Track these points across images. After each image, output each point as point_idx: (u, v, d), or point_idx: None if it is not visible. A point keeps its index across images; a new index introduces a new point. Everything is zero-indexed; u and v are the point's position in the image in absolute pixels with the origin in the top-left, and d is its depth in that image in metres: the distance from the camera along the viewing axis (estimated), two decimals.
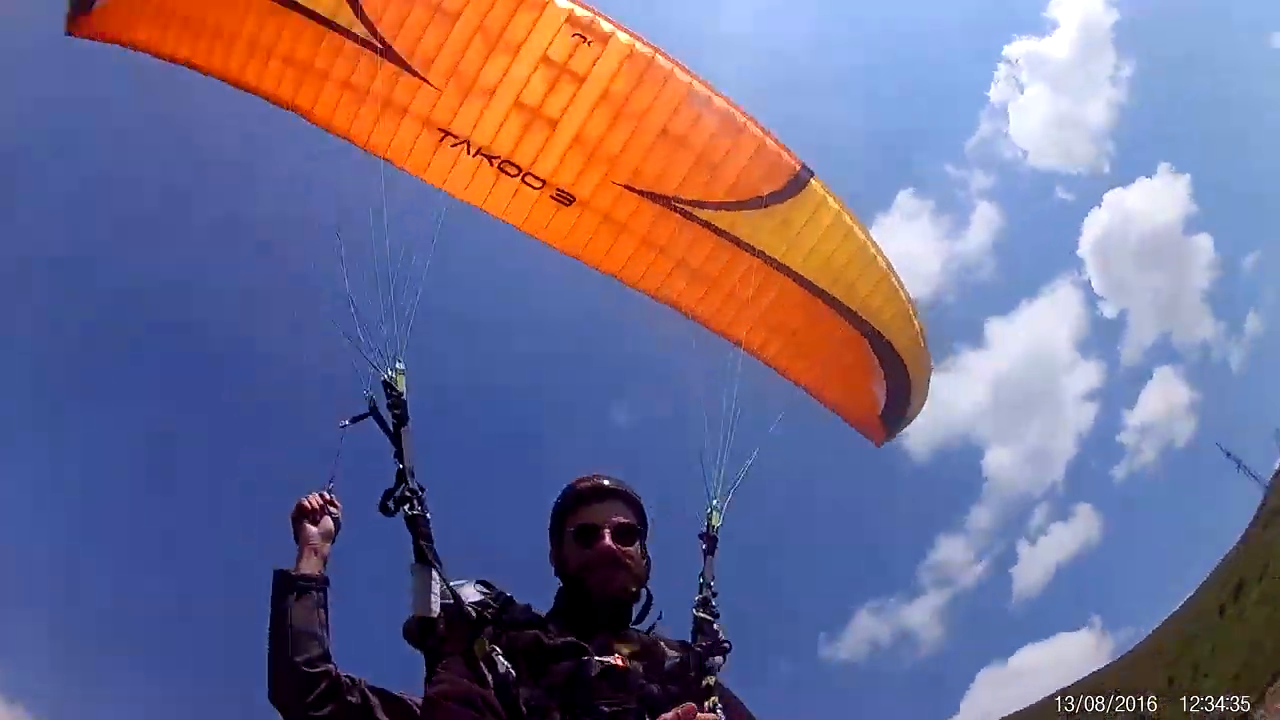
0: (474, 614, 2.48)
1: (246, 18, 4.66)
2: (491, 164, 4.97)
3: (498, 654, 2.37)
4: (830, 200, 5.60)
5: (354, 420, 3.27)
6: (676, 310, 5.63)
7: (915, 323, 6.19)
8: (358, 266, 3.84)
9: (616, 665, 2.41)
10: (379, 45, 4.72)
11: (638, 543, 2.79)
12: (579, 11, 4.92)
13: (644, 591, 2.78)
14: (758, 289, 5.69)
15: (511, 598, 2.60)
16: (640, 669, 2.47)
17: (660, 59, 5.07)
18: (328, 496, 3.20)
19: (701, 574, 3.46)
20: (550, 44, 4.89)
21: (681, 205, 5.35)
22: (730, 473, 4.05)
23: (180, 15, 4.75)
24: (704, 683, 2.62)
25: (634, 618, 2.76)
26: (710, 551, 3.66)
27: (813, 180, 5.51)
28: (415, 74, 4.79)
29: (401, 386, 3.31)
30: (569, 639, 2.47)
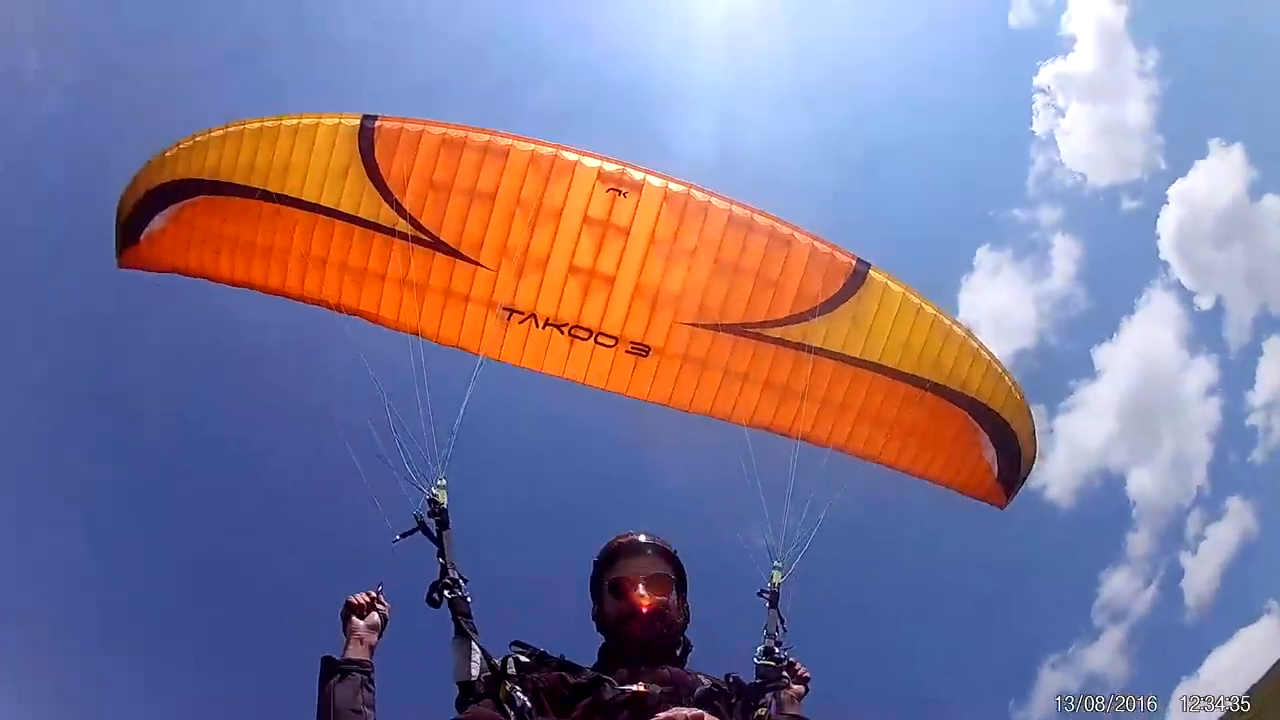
0: (499, 664, 2.64)
1: (294, 233, 4.61)
2: (562, 332, 4.78)
3: (517, 691, 2.49)
4: (892, 285, 5.43)
5: (405, 535, 3.50)
6: (775, 433, 5.31)
7: (1007, 378, 5.93)
8: (401, 402, 4.11)
9: (638, 691, 2.46)
10: (426, 238, 4.62)
11: (673, 593, 2.91)
12: (608, 167, 4.89)
13: (681, 638, 2.90)
14: (848, 391, 5.44)
15: (545, 651, 2.69)
16: (659, 692, 2.49)
17: (696, 193, 5.00)
18: (374, 594, 3.36)
19: (765, 626, 3.72)
20: (588, 204, 4.82)
21: (753, 329, 5.15)
22: (793, 534, 4.21)
23: (229, 238, 4.68)
24: (755, 714, 2.75)
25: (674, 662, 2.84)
26: (773, 605, 3.88)
27: (870, 271, 5.36)
28: (468, 259, 4.70)
29: (443, 499, 3.60)
30: (594, 675, 2.54)
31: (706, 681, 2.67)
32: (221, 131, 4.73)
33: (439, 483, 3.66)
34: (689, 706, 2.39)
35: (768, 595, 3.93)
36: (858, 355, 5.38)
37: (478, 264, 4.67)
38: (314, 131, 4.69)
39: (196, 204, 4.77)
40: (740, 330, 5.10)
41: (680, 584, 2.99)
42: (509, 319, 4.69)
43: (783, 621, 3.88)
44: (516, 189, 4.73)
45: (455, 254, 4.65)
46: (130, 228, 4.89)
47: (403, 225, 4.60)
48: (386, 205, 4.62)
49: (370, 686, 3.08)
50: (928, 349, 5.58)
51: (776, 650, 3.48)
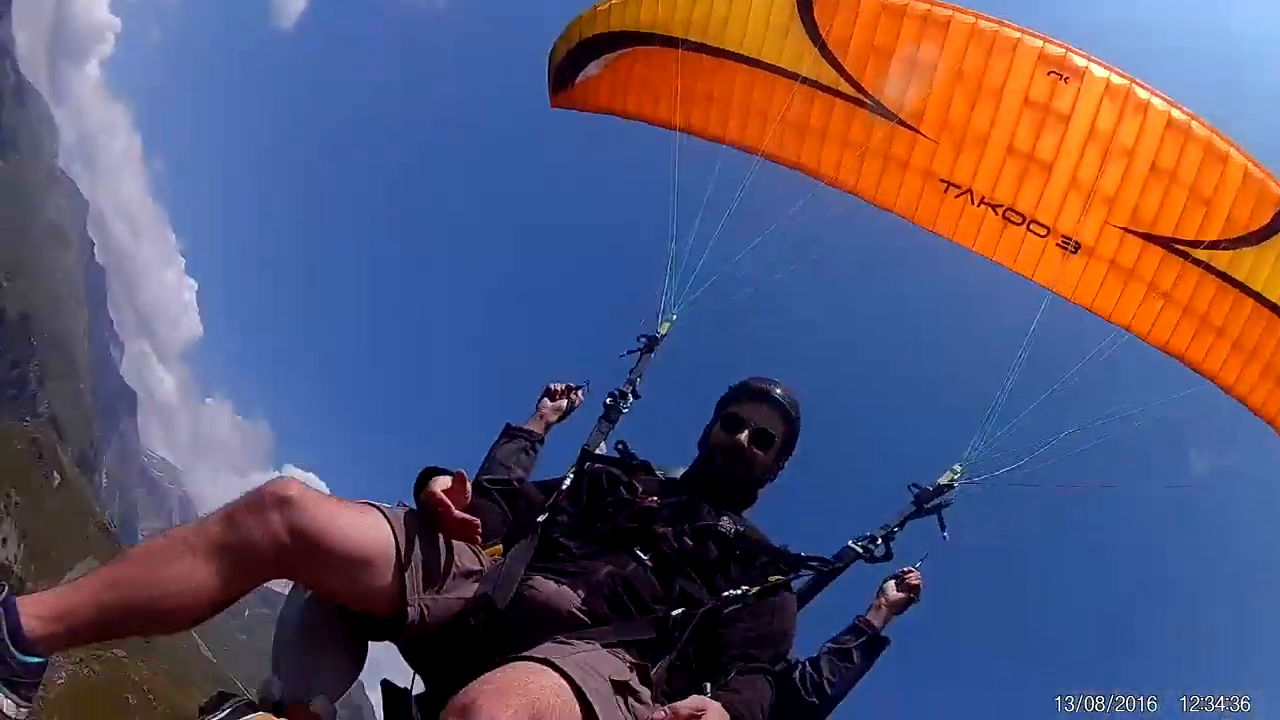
0: (581, 454, 2.97)
1: (734, 85, 4.50)
2: (996, 213, 4.44)
3: (569, 473, 2.80)
4: None
5: (630, 352, 3.96)
6: (1182, 361, 4.80)
7: None
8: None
9: (646, 505, 2.66)
10: (868, 101, 4.39)
11: (770, 450, 2.99)
12: (1050, 49, 4.55)
13: (756, 491, 3.04)
14: (1262, 334, 4.87)
15: (632, 454, 2.97)
16: (658, 505, 2.66)
17: (1138, 89, 4.62)
18: (570, 386, 3.82)
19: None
20: (1029, 86, 4.48)
21: (1180, 246, 4.66)
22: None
23: (668, 86, 4.64)
24: (769, 577, 2.67)
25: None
26: (917, 504, 3.59)
27: None
28: (908, 127, 4.45)
29: (663, 331, 4.01)
30: (628, 478, 2.77)
31: (730, 526, 2.71)
32: None
33: (671, 317, 4.07)
34: (687, 535, 2.60)
35: (917, 491, 3.64)
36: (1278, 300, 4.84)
37: (918, 132, 4.42)
38: None
39: (634, 53, 4.78)
40: (1168, 244, 4.62)
41: (785, 446, 3.08)
42: (945, 190, 4.39)
43: (943, 528, 3.62)
44: (957, 62, 4.45)
45: (896, 119, 4.41)
46: (563, 73, 4.97)
47: (845, 86, 4.42)
48: (828, 65, 4.44)
49: (531, 452, 3.56)
50: None
51: (875, 546, 3.34)
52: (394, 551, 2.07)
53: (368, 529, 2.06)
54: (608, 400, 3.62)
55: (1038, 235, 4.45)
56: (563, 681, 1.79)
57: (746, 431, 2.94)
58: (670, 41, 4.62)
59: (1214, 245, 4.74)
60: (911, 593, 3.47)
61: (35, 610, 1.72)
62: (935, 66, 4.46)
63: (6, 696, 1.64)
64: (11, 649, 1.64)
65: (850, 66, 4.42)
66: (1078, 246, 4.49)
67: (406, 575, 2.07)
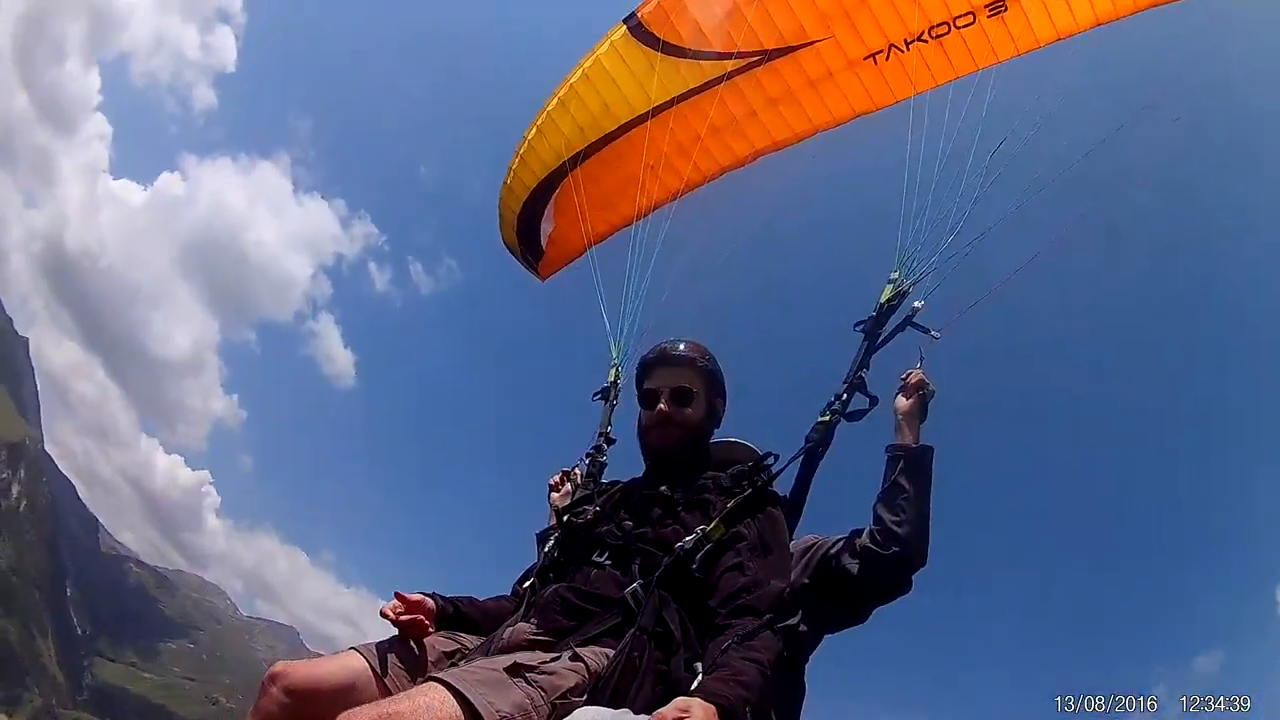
0: (555, 516, 3.17)
1: (661, 142, 4.65)
2: (926, 39, 4.46)
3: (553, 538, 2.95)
4: None
5: (596, 396, 3.98)
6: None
7: None
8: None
9: (588, 519, 2.85)
10: (758, 56, 4.53)
11: (695, 402, 2.96)
12: None
13: (701, 442, 3.02)
14: None
15: (599, 483, 3.30)
16: (598, 512, 2.87)
17: None
18: (566, 471, 3.76)
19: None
20: None
21: None
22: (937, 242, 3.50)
23: (612, 189, 4.89)
24: (728, 502, 2.64)
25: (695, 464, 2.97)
26: (867, 335, 3.36)
27: None
28: (804, 45, 4.53)
29: (612, 377, 3.97)
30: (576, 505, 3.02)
31: (666, 490, 2.79)
32: (534, 129, 4.92)
33: (616, 363, 4.02)
34: (625, 518, 2.77)
35: (862, 326, 3.39)
36: None
37: (814, 42, 4.52)
38: (599, 64, 4.76)
39: (562, 190, 4.94)
40: None
41: (710, 390, 3.04)
42: (876, 63, 4.48)
43: (926, 331, 3.34)
44: None
45: (790, 50, 4.51)
46: (528, 250, 5.16)
47: (729, 64, 4.52)
48: (704, 62, 4.57)
49: None
50: None
51: (843, 402, 3.12)
52: (370, 670, 2.43)
53: (343, 663, 2.43)
54: (585, 458, 3.55)
55: (966, 26, 4.51)
56: (445, 691, 1.94)
57: (663, 398, 2.94)
58: (579, 158, 4.78)
59: None
60: (917, 390, 3.21)
61: None
62: None
63: None
64: None
65: (721, 46, 4.56)
66: (1003, 3, 4.56)
67: (386, 680, 2.40)
